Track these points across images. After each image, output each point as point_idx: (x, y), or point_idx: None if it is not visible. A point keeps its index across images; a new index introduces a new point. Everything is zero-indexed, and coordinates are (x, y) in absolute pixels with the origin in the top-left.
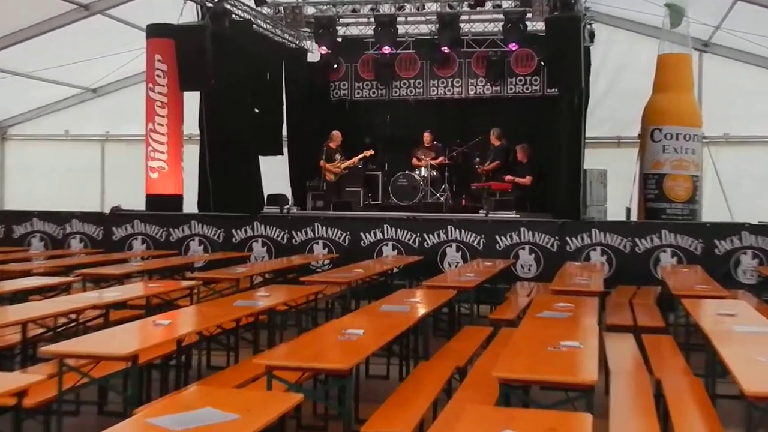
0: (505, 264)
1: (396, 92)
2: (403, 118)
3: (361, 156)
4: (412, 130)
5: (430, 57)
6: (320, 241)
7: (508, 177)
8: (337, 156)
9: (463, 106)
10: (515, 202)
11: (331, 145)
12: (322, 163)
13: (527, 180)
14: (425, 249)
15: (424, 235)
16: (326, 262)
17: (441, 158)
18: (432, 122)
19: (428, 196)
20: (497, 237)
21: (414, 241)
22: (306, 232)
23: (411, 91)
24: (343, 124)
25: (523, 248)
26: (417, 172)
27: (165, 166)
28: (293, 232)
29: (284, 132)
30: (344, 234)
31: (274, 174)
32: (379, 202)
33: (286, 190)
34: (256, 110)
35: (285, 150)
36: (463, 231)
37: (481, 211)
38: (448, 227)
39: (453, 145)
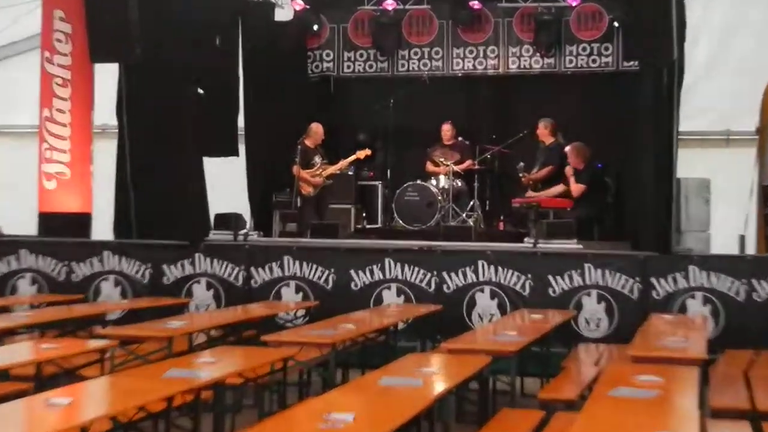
0: (562, 317)
1: (403, 66)
2: (413, 104)
3: (352, 158)
4: (427, 120)
5: (454, 15)
6: (292, 283)
7: (565, 184)
8: (317, 159)
9: (501, 87)
10: (577, 225)
11: (307, 143)
12: (295, 169)
13: (577, 188)
14: (445, 295)
15: (444, 274)
16: (300, 313)
17: (468, 162)
18: (456, 110)
19: (450, 217)
20: (551, 278)
21: (429, 283)
22: (271, 270)
23: (425, 65)
24: (326, 113)
25: (589, 294)
26: (433, 182)
27: (66, 171)
28: (253, 269)
29: (241, 123)
30: (327, 272)
31: (226, 184)
32: (379, 225)
33: (242, 207)
34: (200, 91)
35: (242, 150)
36: (500, 269)
37: (526, 239)
38: (479, 263)
39: (486, 143)
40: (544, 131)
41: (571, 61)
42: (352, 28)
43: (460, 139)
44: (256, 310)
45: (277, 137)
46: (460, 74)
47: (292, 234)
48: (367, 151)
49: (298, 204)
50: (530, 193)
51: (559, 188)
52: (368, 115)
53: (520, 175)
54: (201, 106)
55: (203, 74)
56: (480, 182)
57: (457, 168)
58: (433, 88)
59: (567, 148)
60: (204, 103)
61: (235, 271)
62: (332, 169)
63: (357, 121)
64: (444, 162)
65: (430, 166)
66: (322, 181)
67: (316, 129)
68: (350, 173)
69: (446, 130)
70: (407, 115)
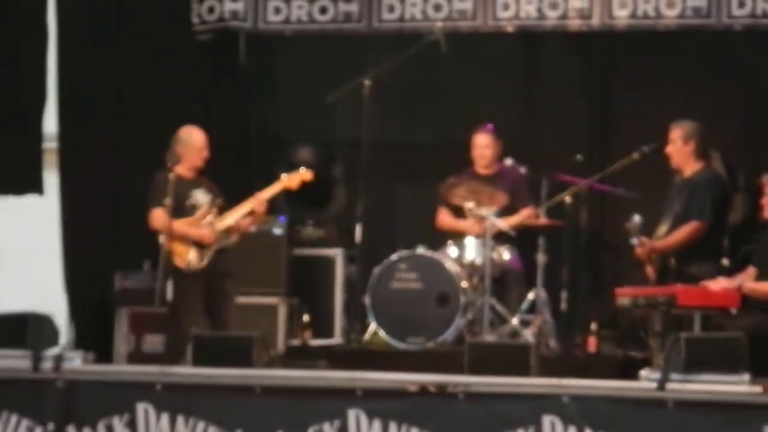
0: None
1: (392, 12)
2: (412, 90)
3: (275, 189)
4: (442, 124)
5: None
6: None
7: (747, 285)
8: (199, 197)
9: (596, 56)
10: (753, 346)
11: (178, 169)
12: (157, 217)
13: None
14: None
15: None
16: None
17: (526, 211)
18: (502, 102)
19: (485, 326)
20: None
21: None
22: None
23: (438, 9)
24: (227, 105)
25: None
26: (453, 251)
27: None
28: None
29: (51, 130)
30: None
31: (17, 254)
32: (337, 340)
33: (51, 303)
34: None
35: (52, 182)
36: None
37: (645, 373)
38: (546, 422)
39: (564, 171)
40: (683, 149)
41: (741, 6)
42: None
43: (510, 162)
44: None
45: (127, 157)
46: (510, 28)
47: (156, 357)
48: (305, 174)
49: (168, 293)
50: (748, 286)
51: (731, 282)
52: (316, 112)
53: (633, 240)
54: None
55: None
56: (550, 253)
57: (503, 224)
58: (454, 58)
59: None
60: None
61: None
62: (234, 216)
63: (292, 122)
64: (476, 211)
65: (445, 219)
66: (215, 238)
67: (190, 138)
68: (277, 231)
69: (483, 145)
70: (398, 113)
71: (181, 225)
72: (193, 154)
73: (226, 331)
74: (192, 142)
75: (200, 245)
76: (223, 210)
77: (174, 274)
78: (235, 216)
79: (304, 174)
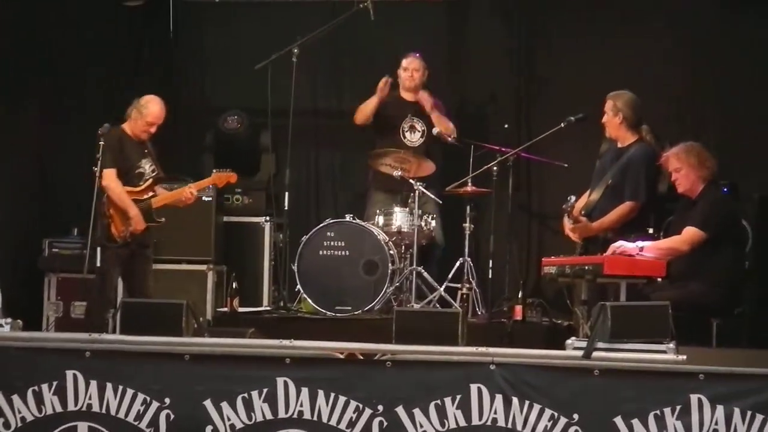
0: None
1: None
2: (339, 60)
3: (203, 183)
4: (368, 92)
5: None
6: (82, 427)
7: (648, 246)
8: (146, 166)
9: (521, 22)
10: (678, 315)
11: (127, 128)
12: (111, 176)
13: (690, 236)
14: None
15: (400, 411)
16: None
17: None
18: (429, 71)
19: (413, 294)
20: (620, 423)
21: (367, 431)
22: (40, 400)
23: None
24: (153, 75)
25: None
26: (381, 218)
27: None
28: (0, 399)
29: None
30: (156, 406)
31: None
32: (265, 307)
33: None
34: None
35: None
36: (516, 402)
37: (571, 342)
38: (473, 389)
39: (489, 138)
40: (612, 120)
41: None
42: None
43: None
44: None
45: (55, 125)
46: None
47: (84, 324)
48: (232, 177)
49: (99, 260)
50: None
51: (669, 242)
52: (245, 80)
53: (568, 221)
54: None
55: None
56: (477, 221)
57: (429, 193)
58: (382, 27)
59: (672, 152)
60: None
61: None
62: (171, 197)
63: (221, 90)
64: (400, 163)
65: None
66: (144, 225)
67: (146, 108)
68: (206, 198)
69: (414, 68)
70: (326, 81)
71: (127, 197)
72: (141, 124)
73: (153, 299)
74: (144, 113)
75: (134, 221)
76: (157, 181)
77: (106, 240)
78: (171, 197)
79: (231, 176)
